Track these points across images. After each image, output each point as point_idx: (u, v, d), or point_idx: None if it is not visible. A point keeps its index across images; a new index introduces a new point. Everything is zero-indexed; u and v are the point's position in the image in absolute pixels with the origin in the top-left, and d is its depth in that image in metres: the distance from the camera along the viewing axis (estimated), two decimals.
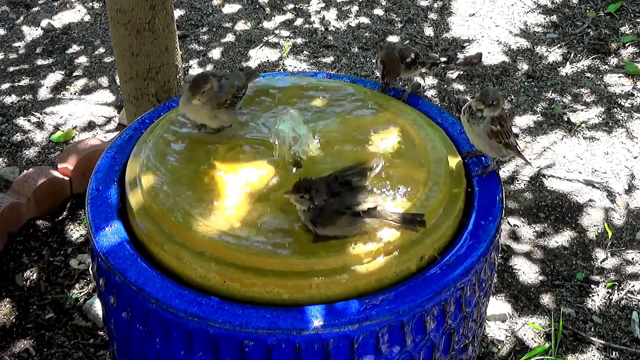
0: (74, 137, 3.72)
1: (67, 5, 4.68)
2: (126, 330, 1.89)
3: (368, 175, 1.93)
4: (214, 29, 4.48)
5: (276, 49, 4.31)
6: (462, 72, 4.12)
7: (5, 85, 4.05)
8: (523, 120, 3.82)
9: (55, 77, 4.12)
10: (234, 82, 2.16)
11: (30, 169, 3.21)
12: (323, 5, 4.67)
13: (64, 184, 3.20)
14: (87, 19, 4.58)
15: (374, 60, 2.39)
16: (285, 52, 4.25)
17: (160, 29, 2.96)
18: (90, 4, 4.70)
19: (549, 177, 3.52)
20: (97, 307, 2.76)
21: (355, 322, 1.73)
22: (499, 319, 2.87)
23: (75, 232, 3.09)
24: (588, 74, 4.12)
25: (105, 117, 3.85)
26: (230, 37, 4.42)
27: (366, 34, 4.41)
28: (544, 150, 3.66)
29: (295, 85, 2.36)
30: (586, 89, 4.02)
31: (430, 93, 3.97)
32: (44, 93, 4.01)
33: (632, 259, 3.14)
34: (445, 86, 3.85)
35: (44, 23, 4.49)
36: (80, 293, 2.88)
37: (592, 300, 2.97)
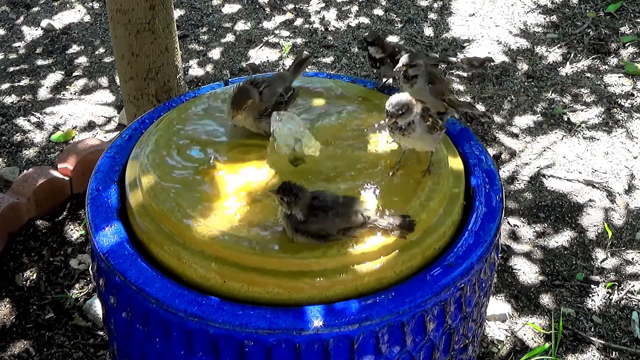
0: (74, 137, 3.72)
1: (67, 5, 4.68)
2: (126, 330, 1.89)
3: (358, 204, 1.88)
4: (214, 29, 4.48)
5: (276, 49, 4.31)
6: (463, 72, 4.12)
7: (5, 85, 4.05)
8: (523, 120, 3.82)
9: (55, 77, 4.12)
10: (277, 89, 2.16)
11: (30, 169, 3.21)
12: (323, 5, 4.67)
13: (64, 184, 3.20)
14: (87, 19, 4.58)
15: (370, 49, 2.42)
16: (285, 52, 4.25)
17: (160, 29, 2.96)
18: (90, 4, 4.70)
19: (549, 177, 3.52)
20: (97, 307, 2.76)
21: (355, 322, 1.73)
22: (499, 319, 2.87)
23: (75, 232, 3.09)
24: (588, 74, 4.12)
25: (105, 117, 3.85)
26: (230, 37, 4.42)
27: (366, 34, 4.41)
28: (544, 150, 3.66)
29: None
30: (586, 89, 4.02)
31: None
32: (44, 93, 4.01)
33: (632, 259, 3.14)
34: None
35: (44, 23, 4.49)
36: (80, 293, 2.88)
37: (592, 300, 2.97)
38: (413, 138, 1.99)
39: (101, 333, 2.74)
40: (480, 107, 3.88)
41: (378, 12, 4.61)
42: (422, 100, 2.06)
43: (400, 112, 1.95)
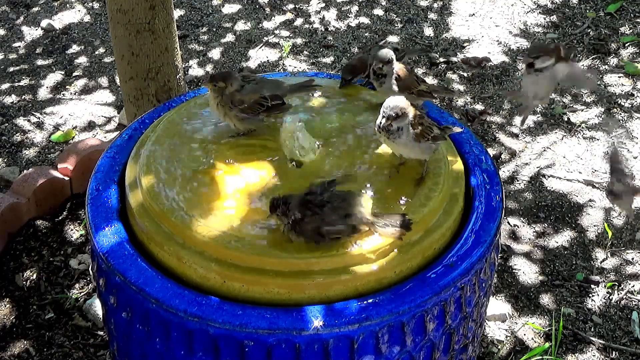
0: (74, 137, 3.72)
1: (67, 5, 4.68)
2: (126, 330, 1.89)
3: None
4: (214, 29, 4.48)
5: (276, 49, 4.31)
6: (463, 72, 4.12)
7: (5, 85, 4.05)
8: None
9: (55, 77, 4.12)
10: (263, 90, 2.14)
11: (30, 169, 3.21)
12: (323, 5, 4.67)
13: (64, 184, 3.20)
14: (87, 19, 4.58)
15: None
16: (285, 52, 4.25)
17: (160, 29, 2.96)
18: (90, 4, 4.70)
19: (549, 177, 3.52)
20: (97, 307, 2.76)
21: (355, 322, 1.73)
22: (499, 319, 2.87)
23: (75, 232, 3.09)
24: (588, 74, 4.12)
25: (105, 117, 3.85)
26: (230, 37, 4.42)
27: (366, 34, 4.41)
28: (544, 150, 3.66)
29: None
30: (586, 88, 4.02)
31: None
32: (44, 93, 4.01)
33: (632, 259, 3.14)
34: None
35: (44, 23, 4.49)
36: (80, 293, 2.88)
37: (592, 300, 2.97)
38: (397, 144, 1.97)
39: (101, 333, 2.74)
40: (480, 107, 3.88)
41: (378, 12, 4.61)
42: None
43: (397, 115, 1.94)
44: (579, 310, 2.93)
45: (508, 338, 2.82)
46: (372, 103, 2.30)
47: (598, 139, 3.72)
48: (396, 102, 1.96)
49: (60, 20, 4.56)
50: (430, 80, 4.04)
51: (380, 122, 1.96)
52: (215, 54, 4.29)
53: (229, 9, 4.65)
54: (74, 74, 4.15)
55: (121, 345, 1.99)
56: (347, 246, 1.81)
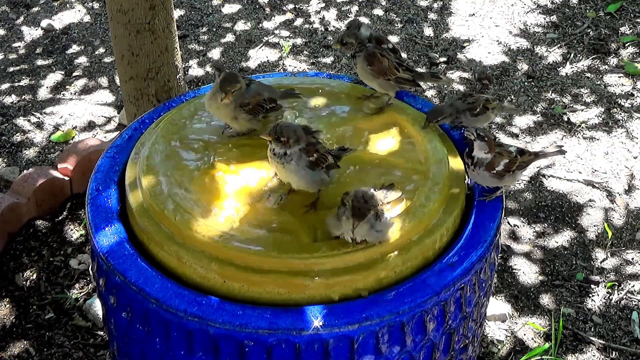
0: (74, 137, 3.72)
1: (67, 5, 4.68)
2: (126, 330, 1.89)
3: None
4: (214, 29, 4.48)
5: (276, 49, 4.31)
6: (463, 73, 4.12)
7: (5, 85, 4.05)
8: (523, 120, 3.82)
9: (55, 77, 4.12)
10: (263, 92, 2.16)
11: (30, 169, 3.21)
12: (323, 5, 4.67)
13: (64, 184, 3.20)
14: (87, 19, 4.58)
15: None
16: (285, 52, 4.25)
17: (160, 29, 2.96)
18: (90, 4, 4.70)
19: (549, 177, 3.52)
20: (97, 307, 2.76)
21: (355, 322, 1.73)
22: (499, 319, 2.87)
23: (75, 232, 3.09)
24: (588, 74, 4.12)
25: (105, 117, 3.85)
26: (230, 37, 4.42)
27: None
28: None
29: (296, 85, 2.35)
30: (586, 89, 4.02)
31: (430, 93, 3.97)
32: (44, 93, 4.01)
33: (632, 259, 3.14)
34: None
35: (44, 23, 4.49)
36: (80, 293, 2.88)
37: (592, 300, 2.97)
38: (288, 170, 1.88)
39: (101, 333, 2.74)
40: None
41: (378, 12, 4.61)
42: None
43: (288, 137, 1.85)
44: (579, 310, 2.93)
45: (508, 338, 2.82)
46: (371, 103, 2.30)
47: (598, 139, 3.72)
48: (284, 124, 1.90)
49: (60, 20, 4.56)
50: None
51: (273, 148, 1.88)
52: (215, 54, 4.29)
53: (229, 9, 4.65)
54: (74, 74, 4.15)
55: (121, 345, 1.99)
56: (347, 246, 1.81)
